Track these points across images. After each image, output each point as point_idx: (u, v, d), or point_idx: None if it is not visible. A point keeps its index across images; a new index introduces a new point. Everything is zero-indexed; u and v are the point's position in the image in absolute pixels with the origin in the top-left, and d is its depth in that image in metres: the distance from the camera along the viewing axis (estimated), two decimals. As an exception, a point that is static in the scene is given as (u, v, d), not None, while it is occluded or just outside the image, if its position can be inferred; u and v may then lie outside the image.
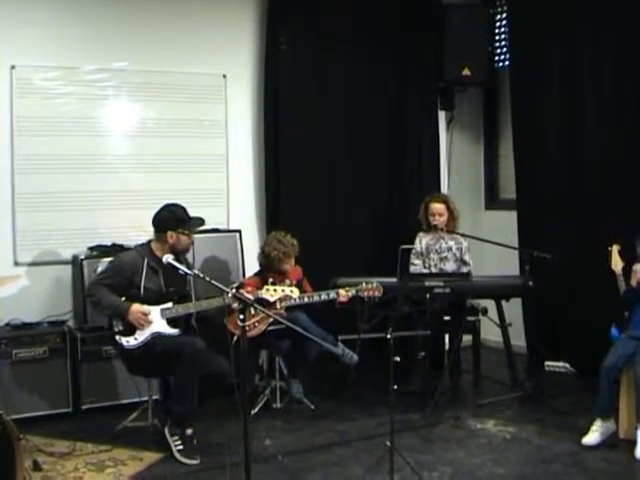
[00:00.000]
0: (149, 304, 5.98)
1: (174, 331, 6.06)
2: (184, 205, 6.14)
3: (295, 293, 6.36)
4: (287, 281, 6.50)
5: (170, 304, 6.06)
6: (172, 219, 6.06)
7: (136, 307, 5.91)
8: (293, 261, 6.98)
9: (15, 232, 7.10)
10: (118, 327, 5.98)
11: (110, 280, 5.99)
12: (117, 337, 5.99)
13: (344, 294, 6.68)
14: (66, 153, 7.26)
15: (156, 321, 5.99)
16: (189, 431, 5.96)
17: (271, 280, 6.54)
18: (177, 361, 5.80)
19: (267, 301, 6.36)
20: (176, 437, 5.90)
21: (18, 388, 6.56)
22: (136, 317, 5.90)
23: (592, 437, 5.96)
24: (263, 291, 6.26)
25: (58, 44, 7.22)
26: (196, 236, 6.44)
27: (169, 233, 6.03)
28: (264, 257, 7.01)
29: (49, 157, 7.20)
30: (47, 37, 7.18)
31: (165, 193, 6.99)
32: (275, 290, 6.25)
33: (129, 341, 5.96)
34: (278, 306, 6.59)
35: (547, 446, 6.04)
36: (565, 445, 6.02)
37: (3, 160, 7.06)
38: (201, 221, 6.22)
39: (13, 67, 7.03)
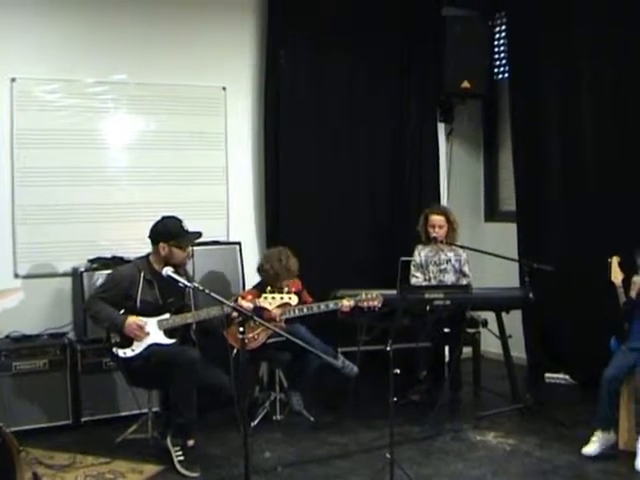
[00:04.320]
0: (146, 316, 6.01)
1: (171, 341, 6.08)
2: (183, 217, 6.15)
3: (294, 301, 6.34)
4: (285, 289, 6.49)
5: (167, 315, 6.08)
6: (165, 231, 6.09)
7: (132, 320, 5.94)
8: (290, 282, 6.98)
9: (15, 244, 7.10)
10: (115, 339, 6.01)
11: (107, 294, 6.04)
12: (114, 349, 6.02)
13: (347, 304, 6.68)
14: (66, 165, 7.26)
15: (153, 332, 6.01)
16: (191, 442, 5.98)
17: (269, 288, 6.54)
18: (172, 371, 5.81)
19: (266, 310, 6.38)
20: (177, 448, 5.90)
21: (18, 400, 6.56)
22: (132, 329, 5.93)
23: (592, 448, 5.96)
24: (261, 299, 6.26)
25: (58, 57, 7.23)
26: (196, 248, 6.49)
27: (161, 245, 6.06)
28: (263, 272, 7.04)
29: (49, 169, 7.20)
30: (47, 50, 7.19)
31: (165, 205, 6.99)
32: (274, 298, 6.24)
33: (126, 352, 5.99)
34: (278, 318, 6.61)
35: (547, 458, 6.03)
36: (565, 457, 6.02)
37: (3, 172, 7.06)
38: (196, 236, 6.22)
39: (13, 80, 7.04)
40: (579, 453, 6.00)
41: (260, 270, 7.07)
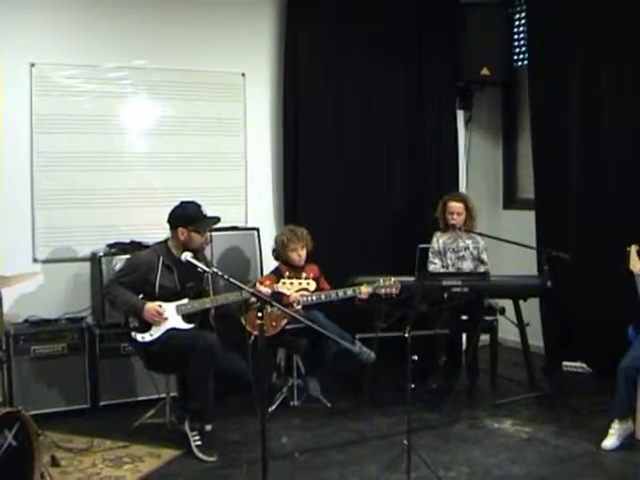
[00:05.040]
0: (164, 301, 6.03)
1: (189, 326, 6.11)
2: (202, 203, 6.16)
3: (312, 286, 6.34)
4: (304, 274, 6.50)
5: (186, 300, 6.11)
6: (184, 216, 6.10)
7: (151, 305, 5.97)
8: (303, 252, 7.01)
9: (34, 229, 7.13)
10: (134, 324, 6.05)
11: (126, 278, 6.07)
12: (133, 333, 6.05)
13: (365, 291, 6.69)
14: (85, 150, 7.28)
15: (171, 317, 6.04)
16: (208, 427, 6.02)
17: (287, 274, 6.55)
18: (190, 356, 5.83)
19: (284, 296, 6.40)
20: (195, 432, 5.94)
21: (37, 384, 6.61)
22: (151, 315, 5.95)
23: (610, 441, 5.94)
24: (280, 285, 6.27)
25: (77, 42, 7.25)
26: (214, 234, 6.51)
27: (180, 230, 6.07)
28: (275, 244, 7.12)
29: (68, 155, 7.22)
30: (67, 35, 7.21)
31: (183, 191, 6.99)
32: (292, 283, 6.24)
33: (144, 337, 6.01)
34: (295, 304, 6.62)
35: (564, 446, 6.04)
36: (582, 445, 6.02)
37: (22, 157, 7.09)
38: (215, 220, 6.23)
39: (33, 65, 7.06)
40: (596, 442, 5.99)
41: (273, 250, 7.16)
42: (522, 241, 7.57)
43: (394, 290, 6.72)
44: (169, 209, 6.20)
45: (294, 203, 8.14)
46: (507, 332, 8.16)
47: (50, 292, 7.15)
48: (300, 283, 6.25)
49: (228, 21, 7.88)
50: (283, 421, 6.63)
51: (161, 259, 6.08)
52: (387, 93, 8.51)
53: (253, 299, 5.95)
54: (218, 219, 6.25)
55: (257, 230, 7.80)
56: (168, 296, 6.05)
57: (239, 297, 6.03)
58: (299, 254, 6.98)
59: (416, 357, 5.33)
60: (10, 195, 7.03)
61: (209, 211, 6.17)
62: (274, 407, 6.84)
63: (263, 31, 8.10)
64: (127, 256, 6.64)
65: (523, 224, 8.62)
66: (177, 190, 7.16)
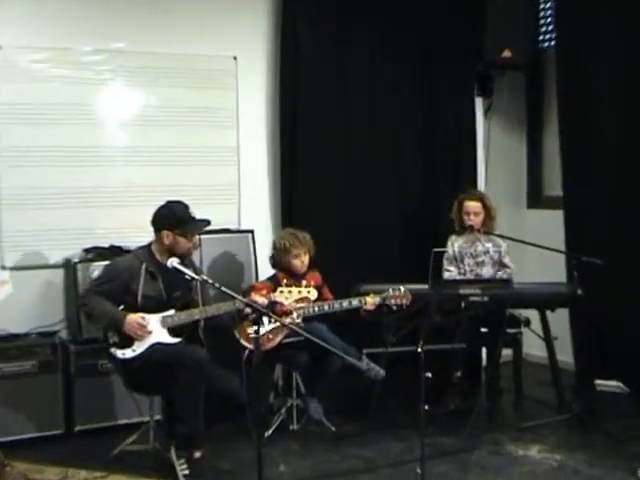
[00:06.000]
0: (148, 313, 6.01)
1: (176, 340, 6.09)
2: (190, 203, 6.17)
3: (313, 295, 6.35)
4: (304, 282, 6.50)
5: (172, 312, 6.09)
6: (170, 217, 6.11)
7: (132, 317, 5.94)
8: (306, 259, 7.03)
9: (1, 232, 7.13)
10: (114, 339, 6.01)
11: (104, 287, 6.05)
12: (112, 349, 6.02)
13: (371, 301, 6.70)
14: (57, 144, 7.28)
15: (156, 331, 6.02)
16: (197, 454, 6.00)
17: (285, 281, 6.55)
18: (177, 372, 5.82)
19: (281, 305, 6.40)
20: (182, 460, 5.92)
21: (4, 407, 6.59)
22: (133, 328, 5.93)
23: (648, 468, 5.95)
24: (277, 293, 6.27)
25: (48, 22, 7.24)
26: (204, 237, 6.52)
27: (165, 233, 6.07)
28: (274, 249, 7.12)
29: (38, 148, 7.22)
30: (36, 14, 7.20)
31: (169, 189, 7.02)
32: (290, 292, 6.24)
33: (125, 353, 5.98)
34: (295, 315, 6.61)
35: (598, 476, 6.01)
36: (618, 475, 5.99)
37: (-13, 152, 7.11)
38: (204, 224, 6.24)
39: (-2, 48, 7.08)
40: (633, 470, 5.96)
41: (271, 257, 7.17)
42: (549, 244, 7.54)
43: (404, 301, 6.72)
44: (153, 209, 6.20)
45: (292, 202, 8.14)
46: (532, 346, 8.17)
47: (19, 303, 7.15)
48: (300, 291, 6.26)
49: (217, -1, 7.90)
50: (281, 447, 6.63)
51: (144, 266, 6.07)
52: (396, 77, 8.51)
53: (247, 309, 5.94)
54: (208, 222, 6.25)
55: (251, 233, 7.83)
56: (152, 307, 6.04)
57: (232, 307, 6.03)
58: (302, 261, 6.99)
59: (430, 374, 5.31)
60: (-26, 194, 7.04)
61: (198, 212, 6.17)
62: (271, 431, 6.84)
63: (257, 9, 8.10)
64: (106, 262, 6.62)
65: (550, 225, 8.62)
66: (162, 188, 7.19)
